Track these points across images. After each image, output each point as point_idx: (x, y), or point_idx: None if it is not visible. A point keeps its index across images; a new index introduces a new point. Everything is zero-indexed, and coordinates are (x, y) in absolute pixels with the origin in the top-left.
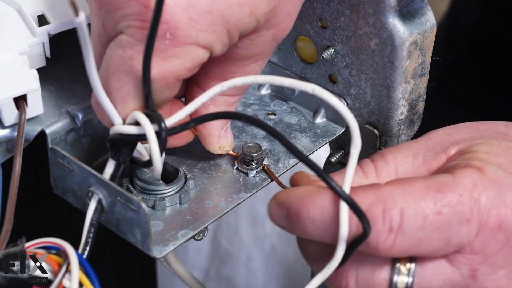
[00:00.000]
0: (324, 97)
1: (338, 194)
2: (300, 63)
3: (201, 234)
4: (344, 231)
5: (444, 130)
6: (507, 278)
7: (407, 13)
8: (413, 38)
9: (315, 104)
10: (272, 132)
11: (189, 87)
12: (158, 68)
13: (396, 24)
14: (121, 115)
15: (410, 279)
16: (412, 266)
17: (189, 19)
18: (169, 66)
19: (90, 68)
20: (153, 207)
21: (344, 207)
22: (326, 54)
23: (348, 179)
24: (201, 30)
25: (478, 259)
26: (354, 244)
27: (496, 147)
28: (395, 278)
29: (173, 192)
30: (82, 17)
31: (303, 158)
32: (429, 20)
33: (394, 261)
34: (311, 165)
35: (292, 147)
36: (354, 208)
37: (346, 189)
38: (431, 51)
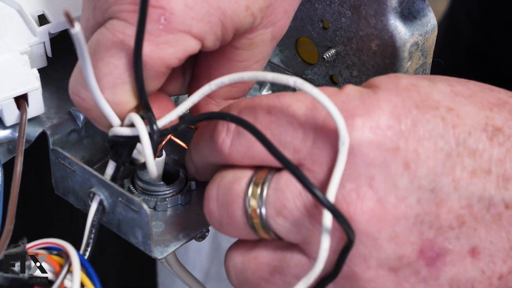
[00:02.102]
0: (305, 89)
1: (320, 201)
2: (301, 64)
3: (202, 235)
4: (325, 244)
5: None
6: (356, 192)
7: (409, 14)
8: (414, 40)
9: None
10: (254, 132)
11: (191, 90)
12: (149, 54)
13: (398, 25)
14: (111, 103)
15: (264, 189)
16: (268, 176)
17: (185, 6)
18: (161, 53)
19: (89, 78)
20: (154, 208)
21: (327, 215)
22: (327, 55)
23: (334, 182)
24: (196, 19)
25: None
26: (343, 254)
27: (387, 75)
28: (249, 189)
29: (174, 193)
30: (77, 28)
31: (286, 163)
32: (430, 21)
33: (253, 174)
34: (291, 168)
35: (271, 147)
36: (336, 215)
37: (331, 195)
38: (432, 52)
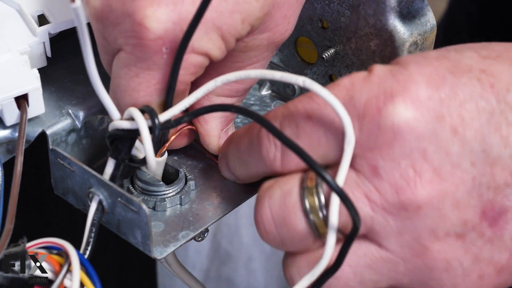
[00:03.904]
0: (314, 89)
1: (330, 186)
2: (301, 63)
3: (201, 235)
4: (334, 222)
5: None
6: (412, 167)
7: (408, 14)
8: (414, 39)
9: None
10: (261, 121)
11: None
12: (164, 83)
13: (397, 25)
14: None
15: (320, 191)
16: (318, 180)
17: (182, 32)
18: None
19: (88, 57)
20: (153, 208)
21: (335, 200)
22: (326, 54)
23: (342, 173)
24: (196, 39)
25: (373, 154)
26: (348, 241)
27: (412, 54)
28: (305, 197)
29: (173, 193)
30: (78, 2)
31: (295, 148)
32: (430, 20)
33: (302, 182)
34: (302, 154)
35: (280, 135)
36: (345, 201)
37: (340, 181)
38: None
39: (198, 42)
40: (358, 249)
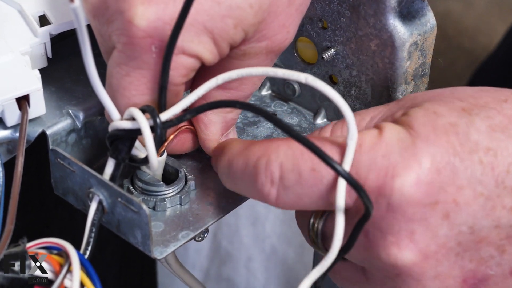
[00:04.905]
0: (318, 86)
1: (337, 172)
2: (301, 63)
3: (201, 235)
4: (341, 214)
5: (421, 93)
6: (397, 245)
7: (408, 14)
8: (414, 39)
9: (315, 105)
10: (266, 116)
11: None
12: (155, 82)
13: (397, 25)
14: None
15: (319, 232)
16: (320, 222)
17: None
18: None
19: (87, 58)
20: (153, 208)
21: (341, 187)
22: (326, 55)
23: (347, 161)
24: (186, 41)
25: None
26: (358, 225)
27: (426, 110)
28: (310, 230)
29: (173, 193)
30: (77, 2)
31: (301, 139)
32: (430, 21)
33: (311, 216)
34: (309, 145)
35: (289, 129)
36: (355, 186)
37: (346, 168)
38: (432, 52)
39: (188, 44)
40: (346, 270)
